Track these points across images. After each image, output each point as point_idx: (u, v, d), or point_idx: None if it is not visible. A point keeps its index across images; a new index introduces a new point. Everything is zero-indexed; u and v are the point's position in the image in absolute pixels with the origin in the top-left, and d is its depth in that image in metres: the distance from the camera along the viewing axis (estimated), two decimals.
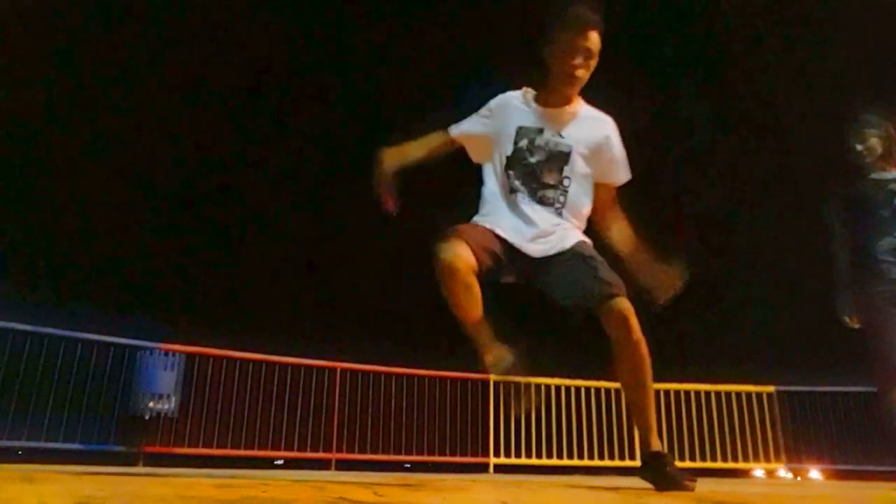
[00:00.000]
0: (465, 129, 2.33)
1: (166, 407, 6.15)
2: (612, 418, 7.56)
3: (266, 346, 7.03)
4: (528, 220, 2.11)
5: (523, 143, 2.17)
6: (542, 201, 2.14)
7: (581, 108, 2.23)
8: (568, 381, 7.64)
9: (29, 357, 5.63)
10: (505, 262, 2.09)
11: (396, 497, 1.47)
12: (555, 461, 7.33)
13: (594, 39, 2.10)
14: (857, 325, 3.42)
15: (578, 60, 2.11)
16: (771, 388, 7.78)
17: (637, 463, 8.00)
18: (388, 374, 7.17)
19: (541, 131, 2.17)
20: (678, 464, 7.93)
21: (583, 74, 2.14)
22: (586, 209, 2.22)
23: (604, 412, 7.57)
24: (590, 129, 2.21)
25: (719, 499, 1.73)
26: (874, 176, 3.41)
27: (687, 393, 7.71)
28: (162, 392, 6.17)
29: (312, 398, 6.84)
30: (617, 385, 7.67)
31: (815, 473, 7.84)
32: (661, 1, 14.38)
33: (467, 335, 2.09)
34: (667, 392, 7.70)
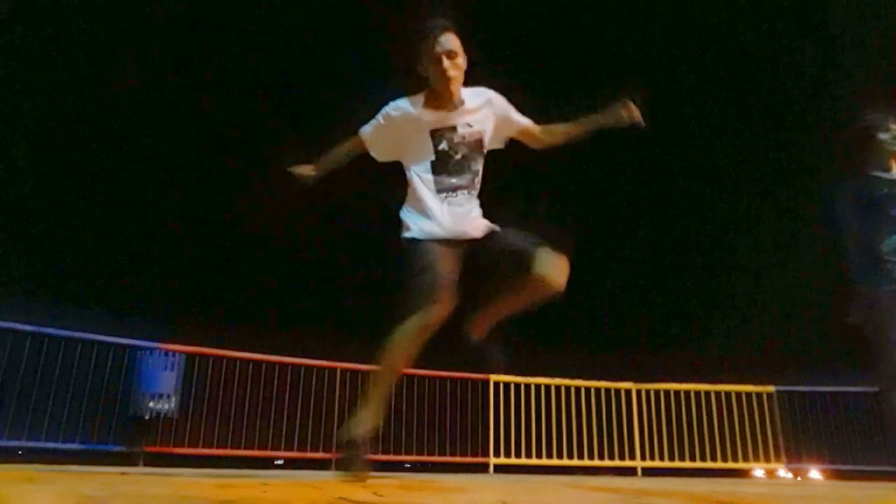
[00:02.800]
0: (372, 132, 2.56)
1: (166, 407, 6.15)
2: (611, 418, 7.56)
3: (266, 346, 7.03)
4: (465, 212, 2.42)
5: (443, 144, 2.42)
6: (469, 188, 2.45)
7: (468, 96, 2.48)
8: (568, 381, 7.64)
9: (29, 357, 5.63)
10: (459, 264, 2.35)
11: (396, 497, 1.47)
12: (555, 461, 7.33)
13: (450, 39, 2.39)
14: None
15: (445, 63, 2.36)
16: (771, 388, 7.78)
17: (636, 463, 7.99)
18: None
19: (454, 129, 2.43)
20: (678, 464, 7.88)
21: (455, 73, 2.39)
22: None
23: (604, 412, 7.58)
24: (485, 108, 2.51)
25: (719, 499, 1.73)
26: (885, 175, 3.36)
27: (687, 393, 7.71)
28: (162, 392, 6.16)
29: (312, 398, 6.84)
30: (617, 385, 7.70)
31: (815, 473, 7.84)
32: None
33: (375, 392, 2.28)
34: (667, 392, 7.71)
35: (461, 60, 2.41)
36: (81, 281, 13.77)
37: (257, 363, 6.78)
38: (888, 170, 3.37)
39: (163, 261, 14.30)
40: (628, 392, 7.71)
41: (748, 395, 7.76)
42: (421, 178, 2.44)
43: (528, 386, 7.51)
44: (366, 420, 2.23)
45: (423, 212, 2.40)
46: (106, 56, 12.91)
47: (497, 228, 2.44)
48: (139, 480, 1.79)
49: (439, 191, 2.41)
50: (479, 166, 2.47)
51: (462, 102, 2.46)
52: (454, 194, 2.41)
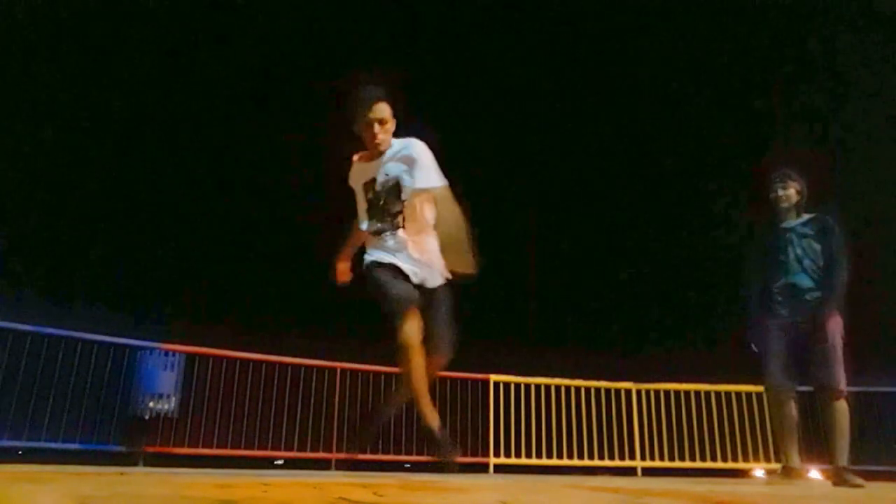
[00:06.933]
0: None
1: (166, 407, 6.15)
2: (612, 418, 7.55)
3: (266, 346, 7.02)
4: (392, 247, 2.67)
5: (370, 194, 2.75)
6: (395, 226, 2.68)
7: (392, 147, 2.76)
8: (568, 381, 7.64)
9: (29, 357, 5.63)
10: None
11: (396, 497, 1.47)
12: (555, 461, 7.32)
13: (381, 109, 2.70)
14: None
15: (376, 128, 2.69)
16: None
17: (636, 463, 8.01)
18: (389, 374, 7.16)
19: (374, 180, 2.73)
20: (678, 464, 7.86)
21: (383, 138, 2.72)
22: (420, 216, 2.71)
23: (604, 412, 7.57)
24: (401, 156, 2.71)
25: (719, 499, 1.73)
26: (783, 224, 3.90)
27: (687, 393, 7.70)
28: (162, 392, 6.16)
29: (312, 398, 6.83)
30: (617, 385, 7.70)
31: (815, 473, 7.82)
32: None
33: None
34: (667, 392, 7.71)
35: (390, 126, 2.74)
36: (81, 281, 13.77)
37: (257, 363, 6.78)
38: (788, 220, 3.90)
39: (163, 261, 14.30)
40: (628, 392, 7.71)
41: (748, 395, 7.74)
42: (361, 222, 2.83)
43: (528, 386, 7.50)
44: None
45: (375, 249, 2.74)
46: (105, 55, 12.91)
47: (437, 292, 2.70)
48: (139, 480, 1.80)
49: (373, 233, 2.73)
50: (397, 208, 2.68)
51: (382, 154, 2.75)
52: (380, 237, 2.71)
